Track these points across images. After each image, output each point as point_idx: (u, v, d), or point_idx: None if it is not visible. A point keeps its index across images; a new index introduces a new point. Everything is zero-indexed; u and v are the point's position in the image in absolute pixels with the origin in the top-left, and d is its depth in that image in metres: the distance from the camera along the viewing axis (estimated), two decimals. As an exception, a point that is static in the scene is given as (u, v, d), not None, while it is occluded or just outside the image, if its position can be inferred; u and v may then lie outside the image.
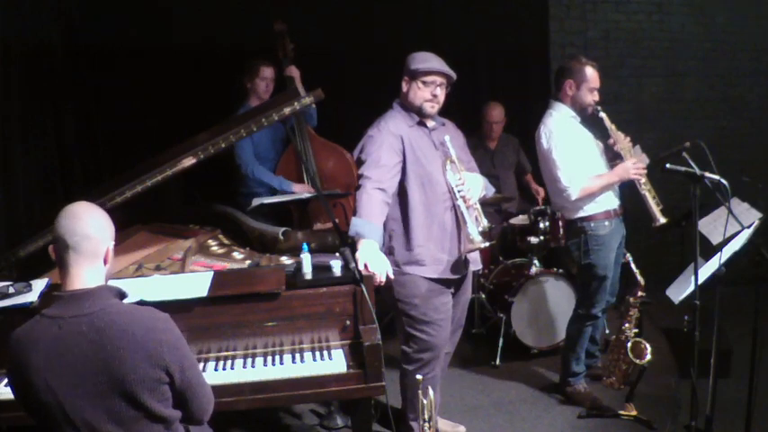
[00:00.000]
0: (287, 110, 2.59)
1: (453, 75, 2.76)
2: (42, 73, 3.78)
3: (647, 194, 3.16)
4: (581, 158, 3.20)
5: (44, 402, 1.58)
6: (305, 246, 2.42)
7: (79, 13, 3.98)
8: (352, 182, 3.39)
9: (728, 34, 5.69)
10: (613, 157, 3.29)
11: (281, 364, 2.23)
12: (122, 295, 1.72)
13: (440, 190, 2.75)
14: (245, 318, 2.27)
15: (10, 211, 3.41)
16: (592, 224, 3.22)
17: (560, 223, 4.03)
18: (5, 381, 2.12)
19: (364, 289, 2.27)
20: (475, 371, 3.90)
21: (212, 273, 2.39)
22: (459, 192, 2.74)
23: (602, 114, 3.22)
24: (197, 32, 4.09)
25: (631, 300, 3.32)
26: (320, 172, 3.69)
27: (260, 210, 3.32)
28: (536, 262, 4.11)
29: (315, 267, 2.38)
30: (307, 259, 2.37)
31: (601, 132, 3.31)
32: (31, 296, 2.24)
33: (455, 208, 2.77)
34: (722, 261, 2.70)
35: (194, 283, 2.27)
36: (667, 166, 2.73)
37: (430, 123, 2.83)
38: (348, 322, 2.30)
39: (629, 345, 3.19)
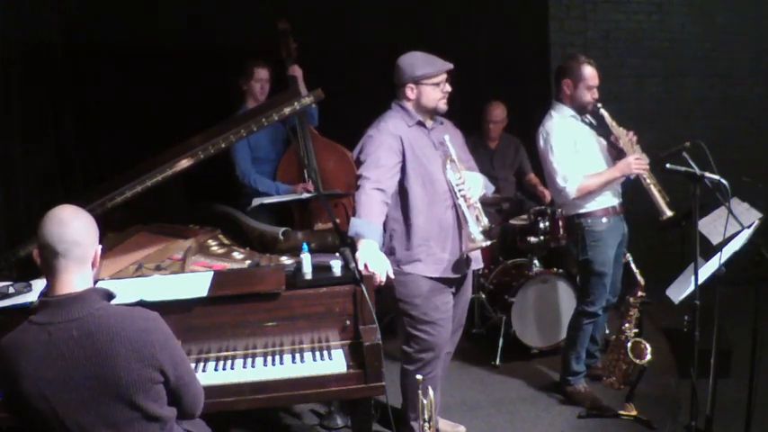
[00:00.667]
0: (287, 110, 2.59)
1: (453, 66, 2.77)
2: (42, 73, 3.78)
3: (653, 188, 3.15)
4: (580, 157, 3.21)
5: (37, 410, 1.57)
6: (305, 246, 2.42)
7: (79, 13, 3.98)
8: (353, 181, 3.38)
9: (728, 34, 5.69)
10: (617, 154, 3.29)
11: (281, 364, 2.23)
12: (110, 296, 1.71)
13: (440, 189, 2.75)
14: (245, 318, 2.27)
15: (10, 211, 3.41)
16: (589, 220, 3.24)
17: (560, 223, 4.03)
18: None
19: (364, 289, 2.27)
20: (475, 371, 3.90)
21: (212, 273, 2.39)
22: (459, 191, 2.74)
23: (603, 111, 3.23)
24: (198, 32, 4.09)
25: (631, 300, 3.32)
26: (322, 172, 3.69)
27: (260, 209, 3.33)
28: (536, 262, 4.11)
29: (315, 267, 2.38)
30: (307, 259, 2.37)
31: (603, 130, 3.31)
32: (31, 296, 2.24)
33: (456, 207, 2.77)
34: (722, 261, 2.70)
35: (194, 283, 2.27)
36: (667, 166, 2.73)
37: (429, 123, 2.83)
38: (348, 322, 2.30)
39: (629, 345, 3.19)
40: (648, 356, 3.13)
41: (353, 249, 2.43)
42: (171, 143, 2.62)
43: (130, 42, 3.99)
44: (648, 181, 3.16)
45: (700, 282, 2.68)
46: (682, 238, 3.69)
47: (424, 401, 2.33)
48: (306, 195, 3.51)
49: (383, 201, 2.61)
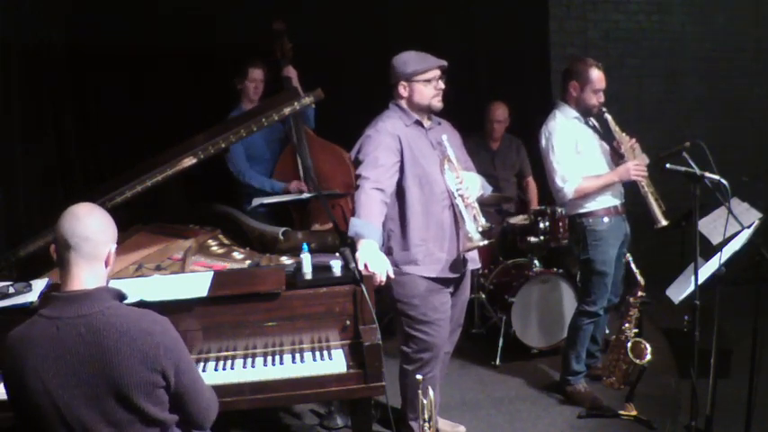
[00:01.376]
0: (287, 110, 2.59)
1: (446, 63, 2.77)
2: (42, 73, 3.78)
3: (650, 196, 3.17)
4: (580, 159, 3.22)
5: (39, 404, 1.57)
6: (305, 246, 2.42)
7: (79, 13, 3.98)
8: (350, 182, 3.39)
9: (728, 34, 5.70)
10: (618, 159, 3.29)
11: (281, 364, 2.23)
12: (122, 297, 1.71)
13: (438, 189, 2.75)
14: (245, 318, 2.26)
15: (10, 211, 3.41)
16: (590, 220, 3.25)
17: (560, 223, 4.03)
18: (5, 381, 2.13)
19: (364, 289, 2.27)
20: (475, 370, 3.90)
21: (212, 273, 2.38)
22: (457, 191, 2.74)
23: (608, 116, 3.25)
24: (198, 32, 4.09)
25: (631, 300, 3.32)
26: (318, 172, 3.69)
27: (259, 210, 3.33)
28: (536, 262, 4.11)
29: (315, 267, 2.38)
30: (307, 259, 2.37)
31: (606, 133, 3.32)
32: (31, 296, 2.24)
33: (453, 207, 2.77)
34: (722, 261, 2.70)
35: (194, 283, 2.27)
36: (667, 166, 2.74)
37: (426, 123, 2.83)
38: (348, 322, 2.30)
39: (629, 345, 3.19)
40: (648, 356, 3.13)
41: (353, 249, 2.43)
42: (171, 143, 2.62)
43: (130, 42, 3.99)
44: (646, 189, 3.18)
45: (700, 282, 2.68)
46: (682, 238, 3.70)
47: (424, 401, 2.33)
48: (306, 195, 3.50)
49: (382, 200, 2.61)
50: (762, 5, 5.70)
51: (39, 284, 2.31)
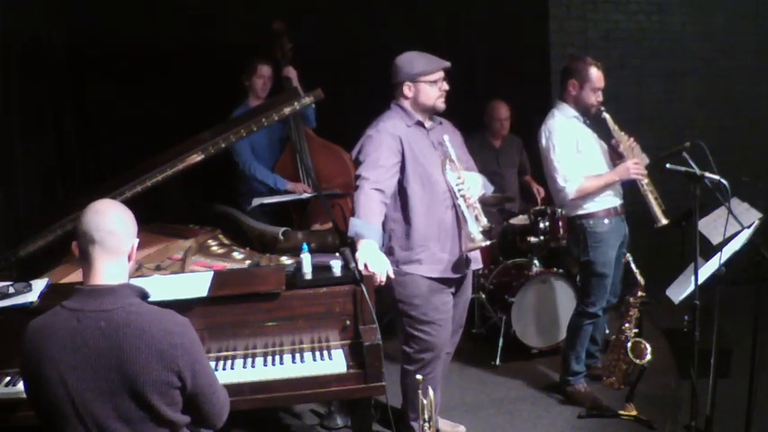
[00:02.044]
0: (287, 110, 2.59)
1: (450, 64, 2.77)
2: (42, 73, 3.78)
3: (650, 195, 3.17)
4: (581, 158, 3.22)
5: (54, 394, 1.58)
6: (305, 246, 2.42)
7: (79, 12, 3.98)
8: (349, 181, 3.39)
9: (728, 34, 5.70)
10: (617, 158, 3.29)
11: (281, 364, 2.23)
12: (145, 295, 1.73)
13: (439, 189, 2.75)
14: (245, 318, 2.27)
15: (10, 211, 3.41)
16: (591, 221, 3.24)
17: (560, 223, 4.03)
18: (6, 380, 2.13)
19: (364, 289, 2.27)
20: (475, 371, 3.90)
21: (212, 273, 2.39)
22: (458, 191, 2.74)
23: (606, 115, 3.24)
24: (197, 32, 4.09)
25: (631, 300, 3.32)
26: (317, 172, 3.69)
27: (259, 211, 3.33)
28: (536, 262, 4.11)
29: (315, 267, 2.38)
30: (307, 259, 2.37)
31: (605, 133, 3.32)
32: (31, 296, 2.24)
33: (455, 207, 2.77)
34: (722, 261, 2.70)
35: (194, 283, 2.27)
36: (667, 166, 2.74)
37: (428, 123, 2.83)
38: (348, 322, 2.30)
39: (629, 345, 3.19)
40: (648, 356, 3.13)
41: (353, 249, 2.43)
42: (171, 143, 2.62)
43: (130, 42, 3.99)
44: (646, 188, 3.17)
45: (700, 282, 2.68)
46: (682, 238, 3.70)
47: (424, 401, 2.33)
48: (306, 195, 3.51)
49: (382, 201, 2.61)
50: (762, 5, 5.70)
51: (39, 284, 2.31)
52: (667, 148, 2.92)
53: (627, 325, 3.32)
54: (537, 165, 3.61)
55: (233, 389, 2.12)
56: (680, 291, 2.81)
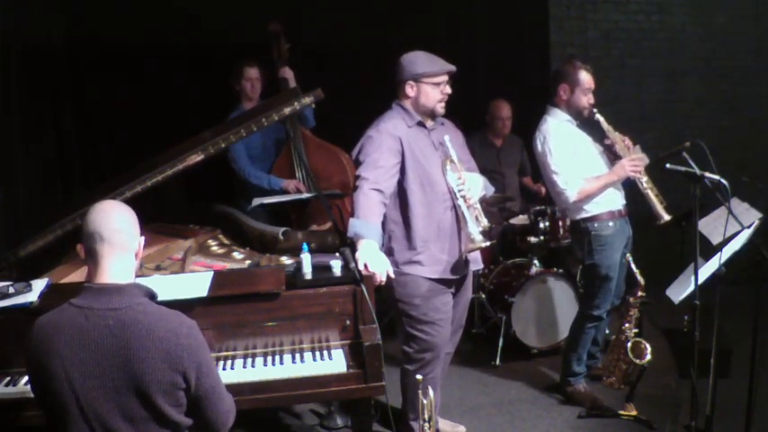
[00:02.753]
0: (287, 110, 2.59)
1: (455, 69, 2.76)
2: (42, 73, 3.78)
3: (650, 192, 3.16)
4: (578, 161, 3.21)
5: (59, 391, 1.59)
6: (305, 246, 2.42)
7: (80, 12, 3.98)
8: (347, 181, 3.39)
9: (728, 34, 5.70)
10: (615, 158, 3.29)
11: (281, 364, 2.23)
12: (152, 296, 1.74)
13: (439, 190, 2.75)
14: (245, 318, 2.27)
15: (10, 211, 3.41)
16: (595, 224, 3.22)
17: (560, 223, 4.03)
18: (6, 380, 2.13)
19: (364, 289, 2.27)
20: (475, 371, 3.90)
21: (212, 273, 2.38)
22: (459, 191, 2.73)
23: (599, 116, 3.24)
24: (197, 32, 4.09)
25: (631, 300, 3.32)
26: (314, 172, 3.69)
27: (258, 211, 3.32)
28: (536, 262, 4.11)
29: (315, 267, 2.37)
30: (307, 259, 2.37)
31: (599, 134, 3.32)
32: (31, 296, 2.24)
33: (455, 208, 2.77)
34: (722, 261, 2.70)
35: (194, 283, 2.27)
36: (667, 166, 2.74)
37: (429, 123, 2.83)
38: (348, 322, 2.30)
39: (629, 345, 3.19)
40: (648, 356, 3.13)
41: (353, 249, 2.43)
42: (171, 143, 2.62)
43: (130, 42, 4.00)
44: (645, 185, 3.17)
45: (700, 282, 2.68)
46: (682, 238, 3.69)
47: (424, 401, 2.33)
48: (306, 195, 3.51)
49: (381, 201, 2.61)
50: (762, 5, 5.70)
51: (39, 284, 2.31)
52: (667, 148, 2.92)
53: (627, 325, 3.31)
54: (536, 167, 3.61)
55: (233, 389, 2.11)
56: (680, 291, 2.81)
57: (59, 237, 2.50)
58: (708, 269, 2.76)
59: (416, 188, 2.72)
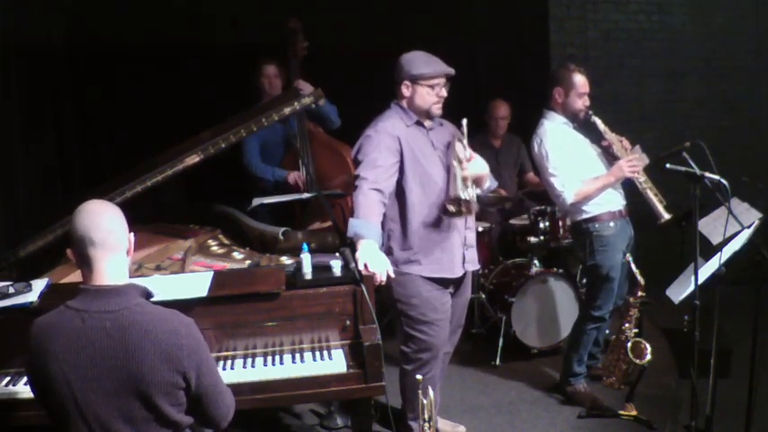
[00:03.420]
0: (287, 110, 2.59)
1: (453, 72, 2.76)
2: (42, 73, 3.78)
3: (649, 192, 3.16)
4: (575, 163, 3.22)
5: (59, 393, 1.59)
6: (305, 246, 2.42)
7: (80, 12, 3.98)
8: (350, 181, 3.39)
9: (728, 34, 5.70)
10: (612, 160, 3.29)
11: (281, 364, 2.23)
12: (148, 295, 1.73)
13: (438, 189, 2.75)
14: (245, 318, 2.27)
15: (10, 211, 3.41)
16: (596, 225, 3.23)
17: (560, 223, 4.03)
18: (6, 380, 2.13)
19: (364, 289, 2.27)
20: (475, 371, 3.90)
21: (212, 273, 2.39)
22: (459, 158, 2.70)
23: (595, 118, 3.25)
24: (197, 32, 4.09)
25: (631, 300, 3.32)
26: (319, 170, 3.70)
27: (260, 209, 3.32)
28: (536, 262, 4.11)
29: (315, 267, 2.37)
30: (307, 259, 2.37)
31: (596, 136, 3.32)
32: (31, 296, 2.24)
33: (448, 169, 2.73)
34: (722, 261, 2.70)
35: (194, 283, 2.27)
36: (667, 166, 2.74)
37: (428, 123, 2.83)
38: (348, 322, 2.30)
39: (629, 345, 3.19)
40: (648, 356, 3.13)
41: (353, 249, 2.43)
42: (172, 143, 2.62)
43: (130, 42, 4.00)
44: (644, 185, 3.17)
45: (700, 282, 2.68)
46: (682, 238, 3.69)
47: (424, 401, 2.33)
48: (306, 195, 3.51)
49: (381, 201, 2.61)
50: (762, 5, 5.70)
51: (39, 284, 2.31)
52: (667, 148, 2.92)
53: (627, 325, 3.31)
54: (535, 169, 3.61)
55: (233, 389, 2.11)
56: (680, 291, 2.81)
57: (59, 237, 2.50)
58: (708, 269, 2.76)
59: (415, 187, 2.72)
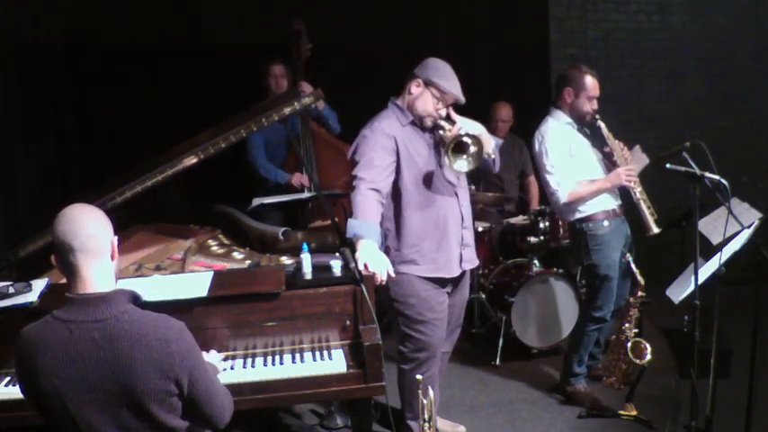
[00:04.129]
0: (287, 110, 2.59)
1: (464, 101, 2.73)
2: (42, 73, 3.79)
3: (642, 204, 3.19)
4: (573, 164, 3.23)
5: (52, 405, 1.57)
6: (305, 246, 2.42)
7: (79, 12, 3.98)
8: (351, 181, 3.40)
9: (728, 34, 5.70)
10: (612, 166, 3.30)
11: (281, 364, 2.23)
12: (136, 298, 1.68)
13: (434, 189, 2.75)
14: (245, 318, 2.26)
15: (10, 211, 3.41)
16: (590, 224, 3.24)
17: (560, 223, 4.03)
18: (6, 380, 2.13)
19: (364, 289, 2.27)
20: (475, 371, 3.90)
21: (212, 273, 2.38)
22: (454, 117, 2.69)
23: (601, 123, 3.25)
24: (197, 32, 4.09)
25: (631, 300, 3.32)
26: (321, 170, 3.70)
27: (260, 209, 3.33)
28: (536, 262, 4.11)
29: (315, 267, 2.37)
30: (307, 259, 2.37)
31: (599, 141, 3.32)
32: (31, 296, 2.24)
33: (438, 128, 2.72)
34: (722, 261, 2.70)
35: (194, 283, 2.27)
36: (667, 166, 2.74)
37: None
38: (348, 322, 2.30)
39: (629, 345, 3.19)
40: (648, 356, 3.13)
41: (353, 249, 2.43)
42: (172, 143, 2.62)
43: (130, 42, 4.00)
44: (639, 196, 3.18)
45: (700, 282, 2.68)
46: (682, 238, 3.70)
47: (424, 401, 2.33)
48: (305, 195, 3.51)
49: (379, 201, 2.61)
50: (762, 5, 5.70)
51: (39, 284, 2.31)
52: (667, 148, 2.92)
53: (627, 325, 3.31)
54: (536, 168, 3.61)
55: (233, 389, 2.11)
56: (680, 291, 2.81)
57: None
58: (708, 269, 2.76)
59: (411, 187, 2.72)
